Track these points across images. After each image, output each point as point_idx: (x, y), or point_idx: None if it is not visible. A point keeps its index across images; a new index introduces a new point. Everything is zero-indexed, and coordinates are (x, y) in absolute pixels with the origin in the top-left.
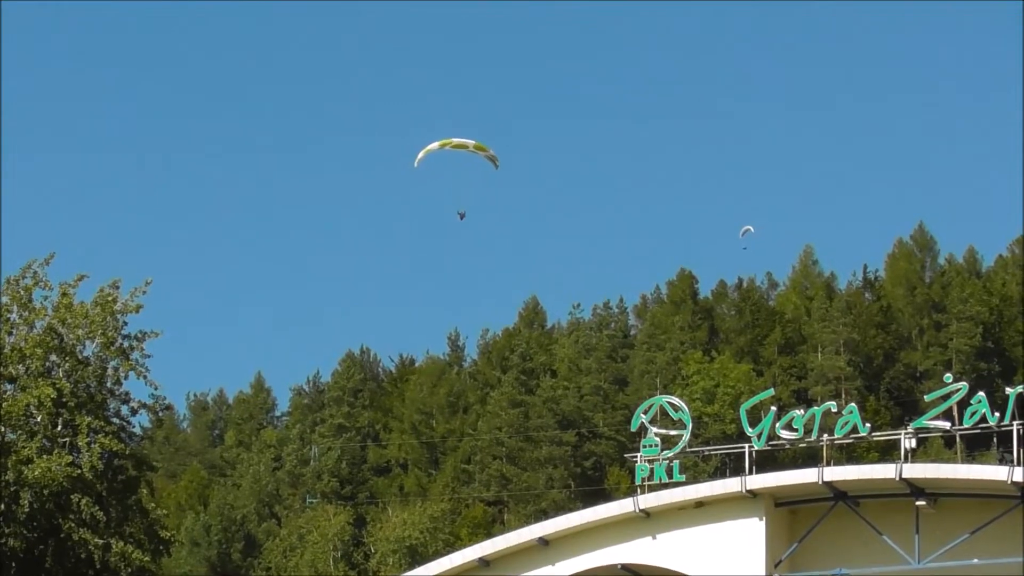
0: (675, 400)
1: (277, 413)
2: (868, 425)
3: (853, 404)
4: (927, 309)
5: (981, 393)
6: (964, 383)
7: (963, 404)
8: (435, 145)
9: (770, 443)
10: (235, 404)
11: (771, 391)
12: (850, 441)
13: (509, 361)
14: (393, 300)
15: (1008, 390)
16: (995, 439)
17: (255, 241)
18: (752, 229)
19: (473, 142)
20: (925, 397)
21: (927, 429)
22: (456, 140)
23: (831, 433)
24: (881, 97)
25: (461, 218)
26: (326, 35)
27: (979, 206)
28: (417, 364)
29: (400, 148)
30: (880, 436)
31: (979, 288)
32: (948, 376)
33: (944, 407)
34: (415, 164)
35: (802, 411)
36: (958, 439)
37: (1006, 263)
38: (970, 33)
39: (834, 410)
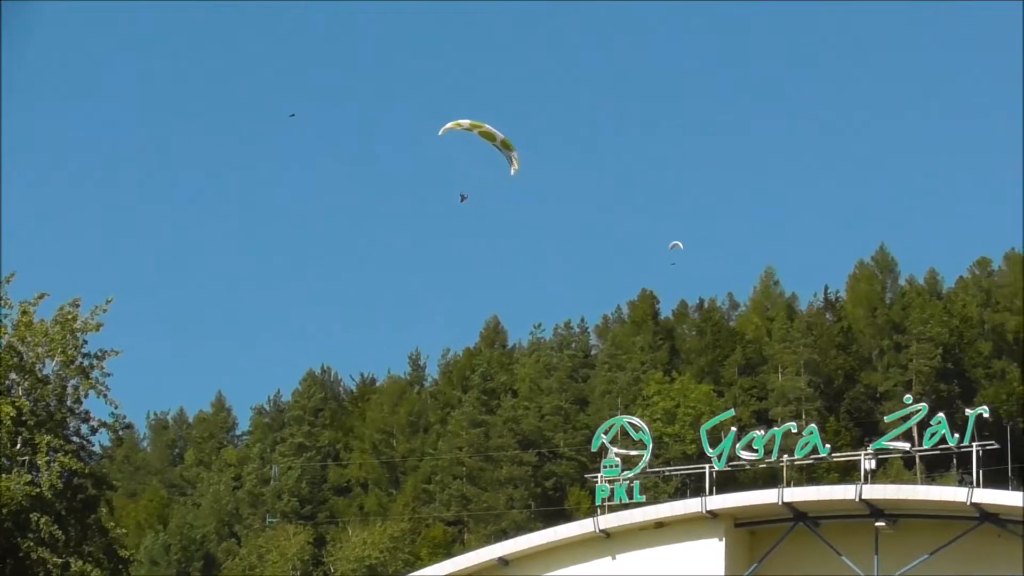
0: (636, 420)
1: (237, 432)
2: (828, 446)
3: (813, 425)
4: (887, 330)
5: (941, 414)
6: (924, 404)
7: (923, 425)
8: (466, 123)
9: (730, 464)
10: (195, 423)
11: (731, 412)
12: (810, 462)
13: (470, 381)
14: (355, 319)
15: (968, 411)
16: (955, 460)
17: (216, 260)
18: (681, 245)
19: (502, 136)
20: (885, 418)
21: (887, 450)
22: (488, 127)
23: (791, 454)
24: (843, 119)
25: (462, 200)
26: (274, 48)
27: (940, 228)
28: (378, 383)
29: (362, 172)
30: (840, 457)
31: (939, 309)
32: (908, 397)
33: (904, 428)
34: (440, 133)
35: (762, 432)
36: (918, 460)
37: (966, 284)
38: (931, 58)
39: (794, 431)
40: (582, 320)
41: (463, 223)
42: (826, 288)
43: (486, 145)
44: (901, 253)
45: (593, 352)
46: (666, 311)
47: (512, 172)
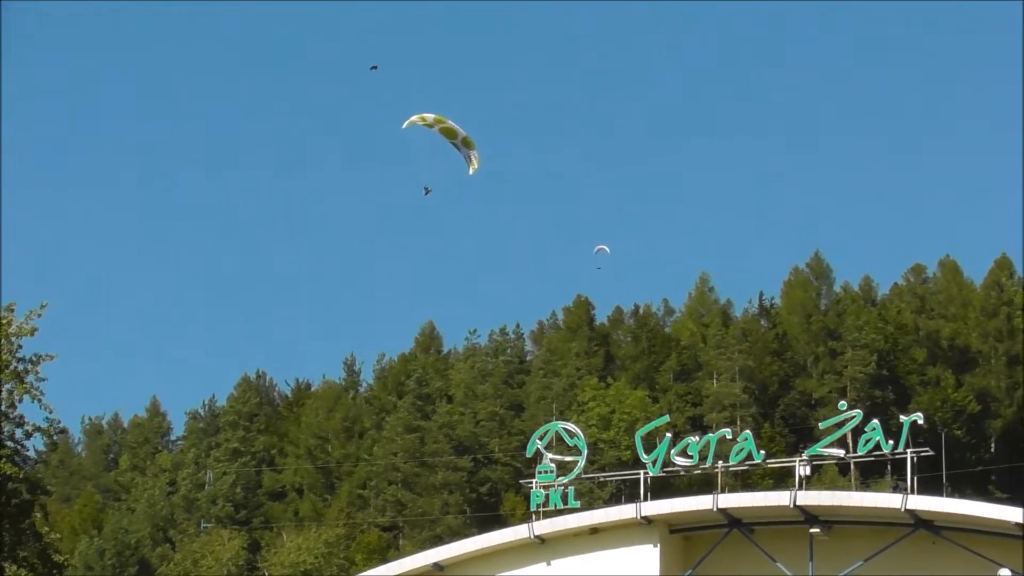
0: (571, 426)
1: (172, 437)
2: (763, 452)
3: (748, 431)
4: (822, 337)
5: (875, 421)
6: (859, 411)
7: (857, 432)
8: (430, 117)
9: (665, 470)
10: (130, 428)
11: (666, 418)
12: (745, 468)
13: (405, 386)
14: (290, 324)
15: (902, 418)
16: (889, 467)
17: (150, 264)
18: (607, 249)
19: (464, 134)
20: (820, 424)
21: (822, 456)
22: (450, 124)
23: (726, 460)
24: (777, 126)
25: (426, 193)
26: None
27: (875, 235)
28: (313, 389)
29: (296, 177)
30: (775, 463)
31: (874, 316)
32: (843, 404)
33: (838, 435)
34: (403, 126)
35: (697, 438)
36: (852, 466)
37: (901, 292)
38: (861, 66)
39: (729, 437)
40: (517, 326)
41: (399, 228)
42: (761, 294)
43: (446, 143)
44: (836, 260)
45: (528, 358)
46: (601, 317)
47: (471, 171)
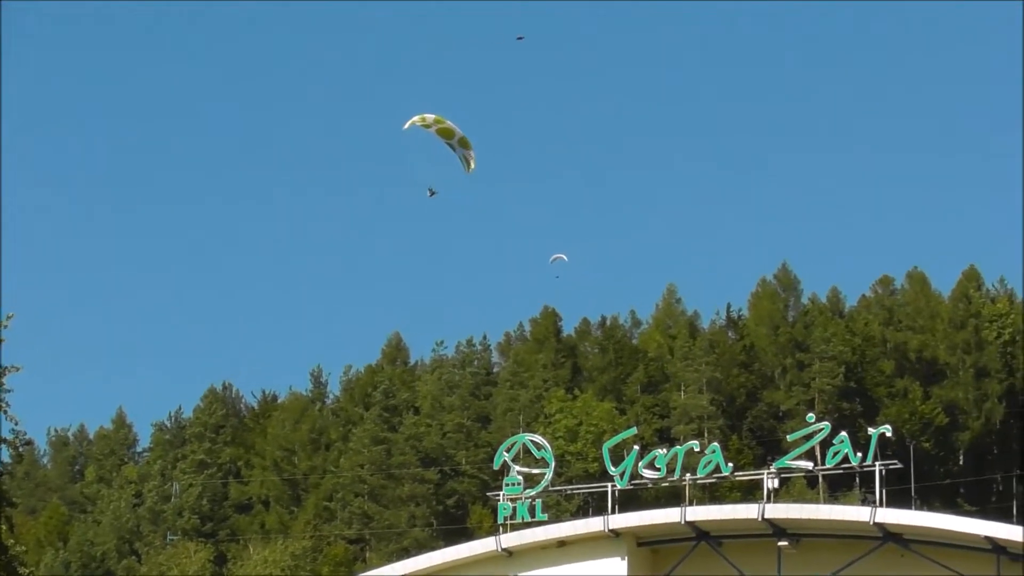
0: (538, 438)
1: (138, 449)
2: (731, 465)
3: (716, 443)
4: (790, 348)
5: (844, 433)
6: (826, 423)
7: (825, 444)
8: (431, 118)
9: (633, 482)
10: (96, 440)
11: (634, 430)
12: (712, 481)
13: (372, 398)
14: (256, 335)
15: (870, 430)
16: (857, 479)
17: (116, 275)
18: (565, 257)
19: (461, 134)
20: (788, 437)
21: (789, 469)
22: (448, 124)
23: (693, 472)
24: (745, 137)
25: (431, 195)
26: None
27: (843, 247)
28: (280, 400)
29: (261, 186)
30: (743, 476)
31: (842, 328)
32: (811, 416)
33: (807, 447)
34: (404, 127)
35: (664, 450)
36: (820, 479)
37: (869, 303)
38: (829, 78)
39: (696, 449)
40: (484, 337)
41: (365, 239)
42: (728, 306)
43: (443, 144)
44: (804, 271)
45: (495, 370)
46: (568, 328)
47: (468, 171)
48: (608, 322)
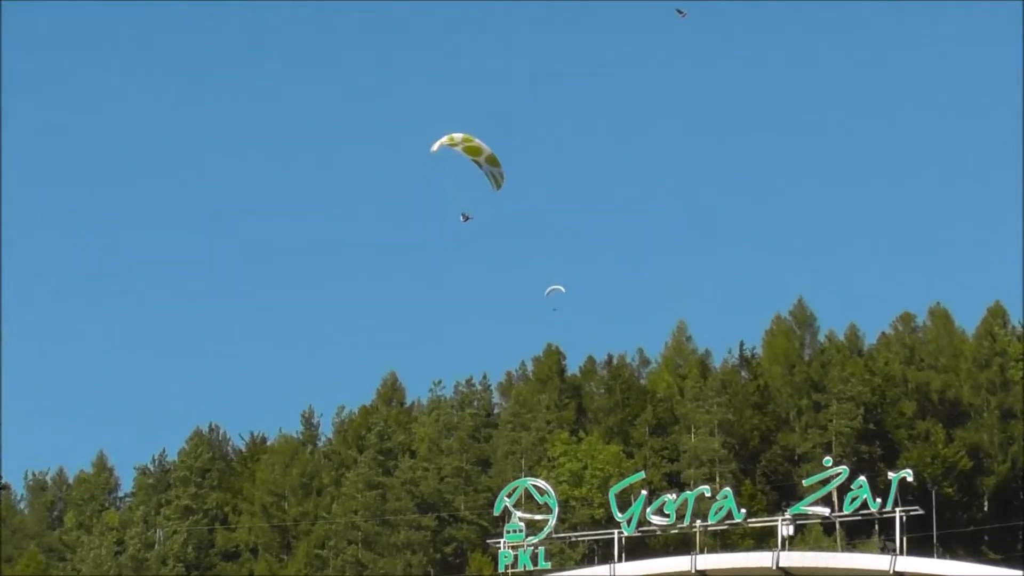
0: (540, 483)
1: (120, 494)
2: (743, 511)
3: (728, 488)
4: (806, 389)
5: (862, 478)
6: (844, 467)
7: (843, 489)
8: (459, 136)
9: (640, 529)
10: (75, 484)
11: (642, 474)
12: (724, 527)
13: (366, 440)
14: (244, 374)
15: (891, 475)
16: (877, 526)
17: (96, 312)
18: (563, 288)
19: (489, 151)
20: (804, 482)
21: (805, 515)
22: (476, 142)
23: (704, 519)
24: (759, 167)
25: (464, 220)
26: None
27: (861, 282)
28: (269, 443)
29: (249, 223)
30: (756, 522)
31: (860, 367)
32: (828, 460)
33: (823, 492)
34: (433, 149)
35: (674, 495)
36: (838, 526)
37: (889, 341)
38: (842, 108)
39: (708, 495)
40: (484, 377)
41: (359, 274)
42: (741, 344)
43: (468, 161)
44: (820, 307)
45: (496, 411)
46: (573, 368)
47: (496, 189)
48: (615, 361)
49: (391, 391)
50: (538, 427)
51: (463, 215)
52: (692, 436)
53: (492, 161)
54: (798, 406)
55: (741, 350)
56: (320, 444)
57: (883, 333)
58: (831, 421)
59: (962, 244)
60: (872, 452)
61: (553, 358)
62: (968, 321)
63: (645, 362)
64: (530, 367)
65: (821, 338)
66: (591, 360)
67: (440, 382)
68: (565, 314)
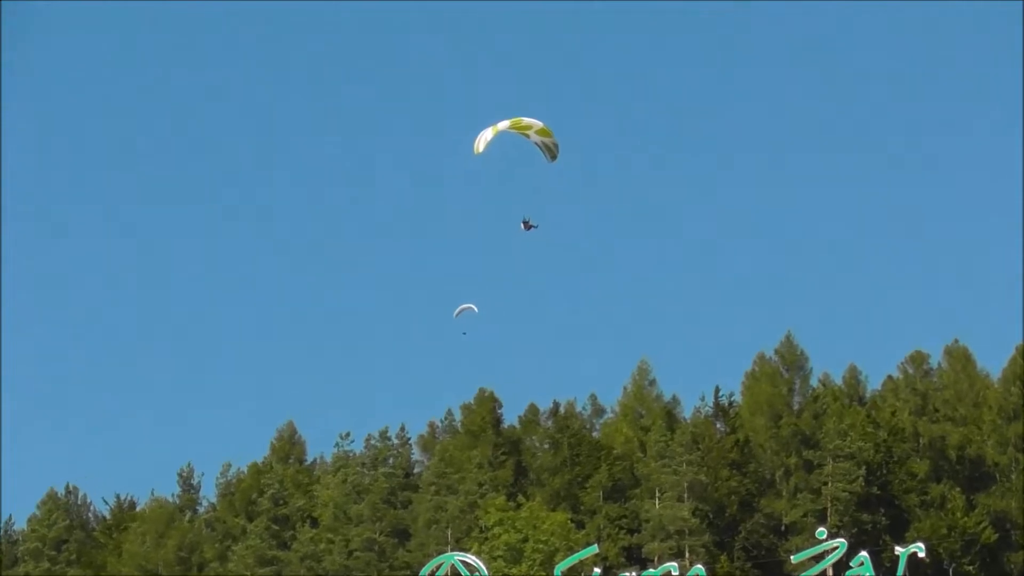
0: (470, 559)
1: None
2: None
3: (700, 566)
4: (795, 445)
5: (864, 553)
6: (842, 540)
7: (841, 567)
8: (505, 124)
9: None
10: None
11: (594, 548)
12: None
13: (257, 505)
14: (109, 425)
15: (898, 549)
16: None
17: None
18: (475, 308)
19: (540, 124)
20: (792, 558)
21: None
22: (525, 120)
23: None
24: (742, 182)
25: (527, 228)
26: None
27: (862, 315)
28: (139, 508)
29: (137, 265)
30: None
31: (862, 418)
32: (822, 531)
33: (817, 570)
34: (481, 149)
35: (635, 574)
36: None
37: (896, 387)
38: (832, 124)
39: (675, 573)
40: (402, 429)
41: (251, 309)
42: (717, 390)
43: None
44: (812, 346)
45: (416, 470)
46: (511, 417)
47: (551, 160)
48: (562, 409)
49: (288, 446)
50: (468, 490)
51: (524, 223)
52: (656, 502)
53: (543, 132)
54: (785, 465)
55: (716, 397)
56: (201, 509)
57: (889, 377)
58: (826, 484)
59: (985, 271)
60: (876, 521)
61: (487, 406)
62: (993, 363)
63: (599, 411)
64: (458, 416)
65: (814, 382)
66: (533, 408)
67: (348, 435)
68: (501, 352)
